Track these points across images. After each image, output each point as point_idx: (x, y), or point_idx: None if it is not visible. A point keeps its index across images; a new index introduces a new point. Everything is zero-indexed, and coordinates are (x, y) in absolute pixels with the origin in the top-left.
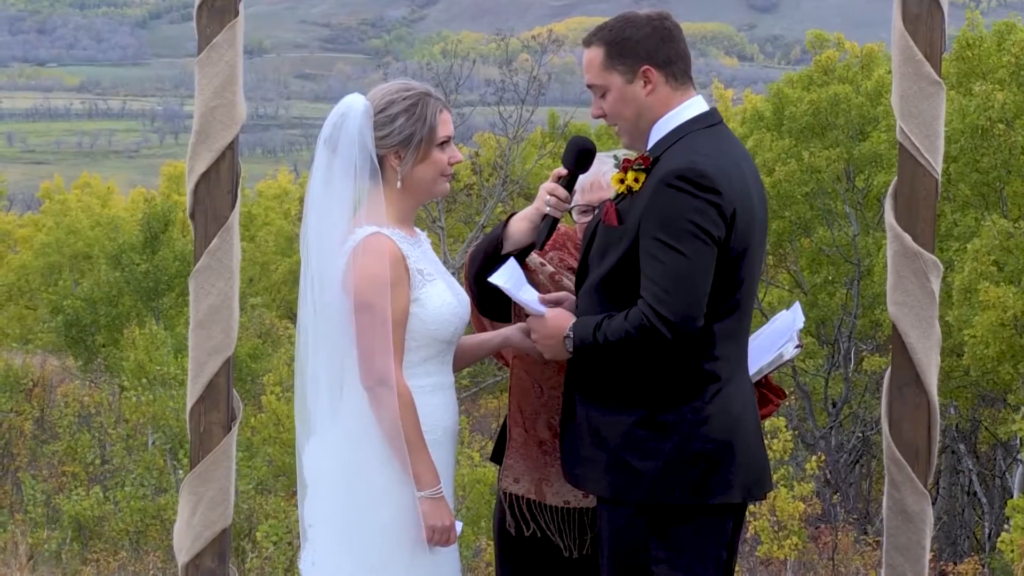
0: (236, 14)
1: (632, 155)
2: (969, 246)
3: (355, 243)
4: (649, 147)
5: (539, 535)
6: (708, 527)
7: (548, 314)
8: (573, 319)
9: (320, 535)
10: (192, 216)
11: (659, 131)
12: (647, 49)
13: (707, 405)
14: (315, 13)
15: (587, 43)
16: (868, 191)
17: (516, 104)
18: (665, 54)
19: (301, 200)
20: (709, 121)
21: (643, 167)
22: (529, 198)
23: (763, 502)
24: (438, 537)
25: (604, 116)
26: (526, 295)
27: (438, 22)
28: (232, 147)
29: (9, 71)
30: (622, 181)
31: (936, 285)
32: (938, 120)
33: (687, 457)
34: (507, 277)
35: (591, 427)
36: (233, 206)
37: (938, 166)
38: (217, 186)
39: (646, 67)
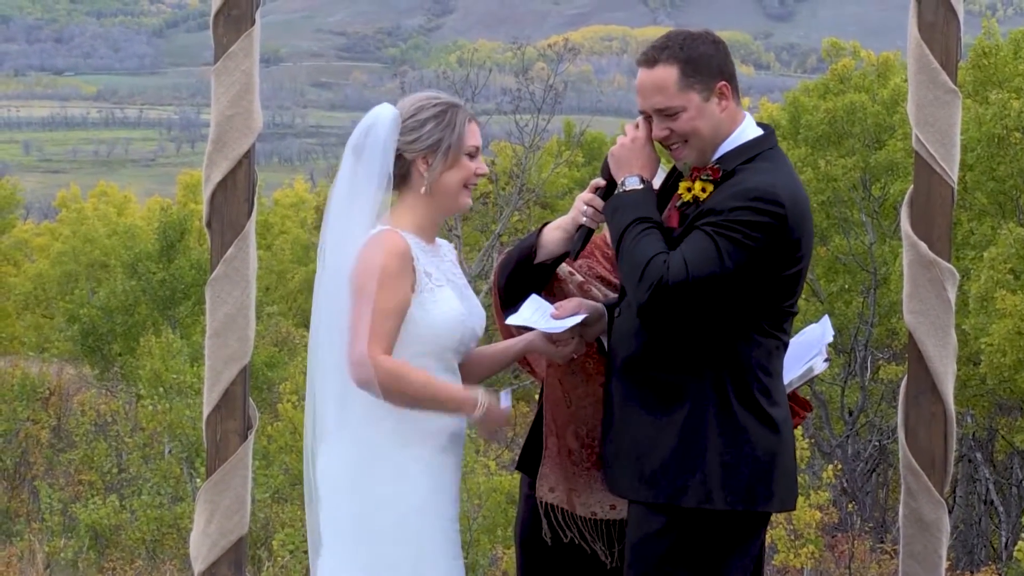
0: (252, 23)
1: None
2: (986, 254)
3: (366, 239)
4: (713, 160)
5: (567, 543)
6: (743, 536)
7: (645, 150)
8: (649, 168)
9: (330, 543)
10: (208, 225)
11: (725, 146)
12: (719, 64)
13: (759, 417)
14: (331, 22)
15: (651, 63)
16: (884, 199)
17: (532, 113)
18: (731, 69)
19: (317, 209)
20: (772, 142)
21: (710, 178)
22: (545, 206)
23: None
24: (492, 421)
25: (668, 137)
26: (552, 324)
27: (454, 31)
28: (248, 156)
29: (26, 80)
30: (690, 190)
31: (952, 294)
32: (954, 128)
33: (737, 465)
34: (531, 312)
35: (637, 435)
36: (249, 215)
37: (954, 174)
38: (233, 195)
39: (723, 83)
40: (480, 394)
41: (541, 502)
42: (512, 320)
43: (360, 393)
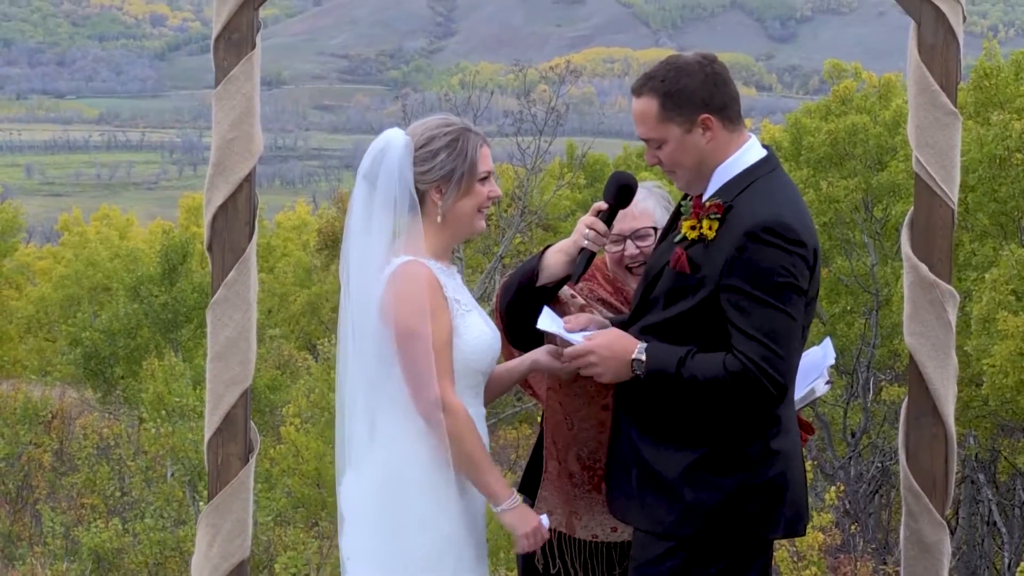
0: (253, 47)
1: (660, 185)
2: (987, 276)
3: (391, 271)
4: (711, 190)
5: (564, 573)
6: (747, 561)
7: (612, 334)
8: (637, 342)
9: (358, 567)
10: (209, 248)
11: (722, 175)
12: (703, 97)
13: (769, 445)
14: (333, 45)
15: (637, 93)
16: (886, 221)
17: (534, 135)
18: (720, 100)
19: (319, 231)
20: (772, 165)
21: (716, 215)
22: (547, 228)
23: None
24: (531, 541)
25: (660, 164)
26: (567, 334)
27: (456, 53)
28: (249, 179)
29: (28, 103)
30: (695, 228)
31: (953, 315)
32: (954, 150)
33: (745, 494)
34: (549, 321)
35: (645, 463)
36: (250, 238)
37: (954, 196)
38: (234, 218)
39: (705, 116)
40: (516, 494)
41: None
42: (540, 325)
43: (393, 416)
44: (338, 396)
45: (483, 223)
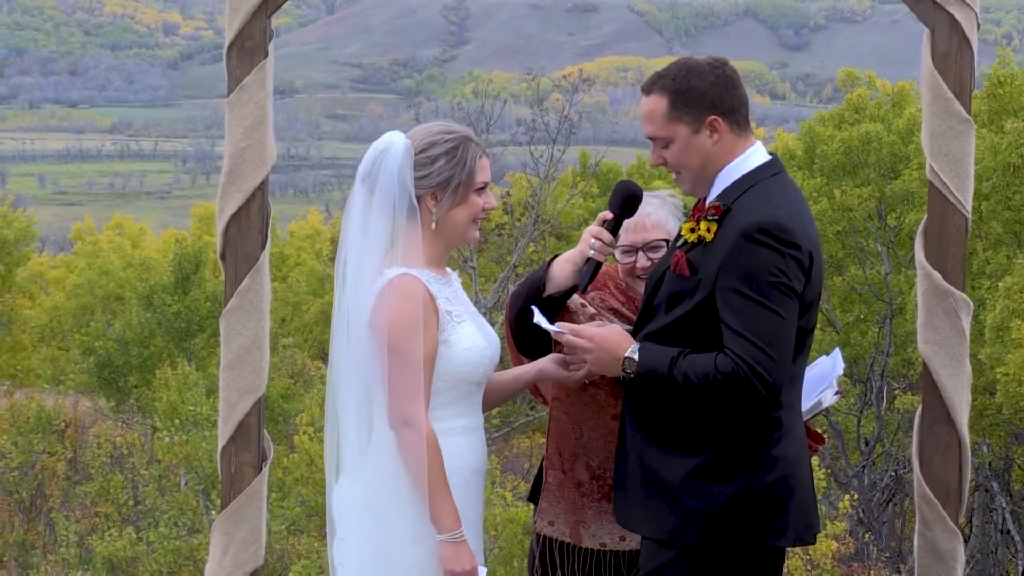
0: (266, 55)
1: (674, 194)
2: (1001, 284)
3: (383, 283)
4: (714, 194)
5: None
6: (756, 569)
7: (608, 329)
8: (633, 341)
9: (348, 575)
10: (222, 257)
11: (725, 178)
12: (712, 98)
13: (771, 451)
14: (346, 53)
15: (647, 91)
16: (900, 229)
17: (547, 143)
18: (730, 102)
19: (332, 240)
20: (775, 169)
21: (715, 217)
22: (560, 237)
23: None
24: (454, 561)
25: (664, 165)
26: (556, 329)
27: (470, 62)
28: (262, 188)
29: (41, 112)
30: (693, 231)
31: (966, 323)
32: (968, 158)
33: (747, 501)
34: (541, 318)
35: (649, 469)
36: (263, 247)
37: (968, 204)
38: (247, 227)
39: (713, 117)
40: (463, 531)
41: (539, 536)
42: (535, 321)
43: (382, 427)
44: (329, 400)
45: (476, 233)
